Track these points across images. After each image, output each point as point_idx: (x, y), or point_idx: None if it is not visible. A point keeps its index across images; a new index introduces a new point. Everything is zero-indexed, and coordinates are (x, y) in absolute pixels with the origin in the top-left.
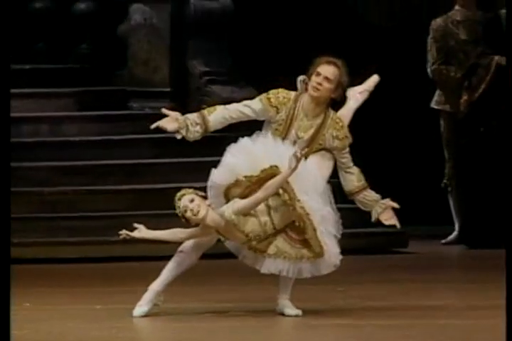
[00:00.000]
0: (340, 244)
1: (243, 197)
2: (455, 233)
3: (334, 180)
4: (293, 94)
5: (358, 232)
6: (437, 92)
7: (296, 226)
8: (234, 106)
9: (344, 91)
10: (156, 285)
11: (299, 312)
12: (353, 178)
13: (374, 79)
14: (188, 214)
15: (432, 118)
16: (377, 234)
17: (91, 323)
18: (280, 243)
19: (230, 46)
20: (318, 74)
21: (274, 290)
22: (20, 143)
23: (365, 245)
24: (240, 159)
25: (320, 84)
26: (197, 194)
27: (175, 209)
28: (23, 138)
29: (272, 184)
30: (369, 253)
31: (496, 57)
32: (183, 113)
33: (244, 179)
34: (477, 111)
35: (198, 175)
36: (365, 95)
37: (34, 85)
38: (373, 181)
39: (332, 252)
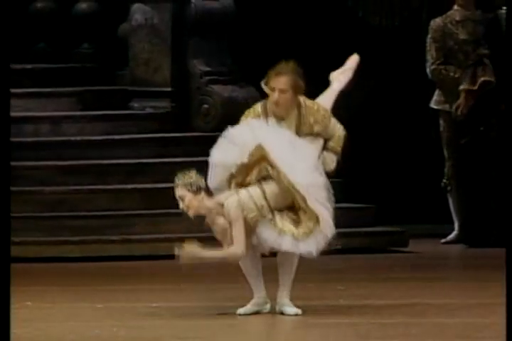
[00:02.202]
0: (341, 243)
1: (244, 184)
2: (455, 232)
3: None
4: (259, 106)
5: (359, 231)
6: (437, 92)
7: (292, 207)
8: None
9: (303, 89)
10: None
11: (299, 311)
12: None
13: (354, 58)
14: (181, 206)
15: (432, 118)
16: (377, 233)
17: (92, 322)
18: (278, 220)
19: (231, 46)
20: (273, 89)
21: (274, 289)
22: (21, 143)
23: (366, 244)
24: (227, 154)
25: (277, 100)
26: (191, 185)
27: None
28: (25, 137)
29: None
30: (369, 252)
31: (482, 78)
32: (184, 112)
33: (237, 169)
34: (477, 111)
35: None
36: (349, 74)
37: (35, 85)
38: (374, 180)
39: (326, 222)
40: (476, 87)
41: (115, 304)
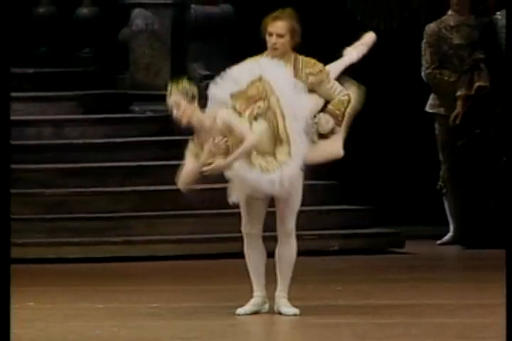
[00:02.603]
0: (338, 244)
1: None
2: (450, 234)
3: (328, 182)
4: (259, 56)
5: (356, 233)
6: (432, 96)
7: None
8: None
9: (300, 34)
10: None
11: (297, 311)
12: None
13: (370, 35)
14: (175, 113)
15: (427, 122)
16: (374, 234)
17: (92, 322)
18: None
19: (230, 50)
20: (270, 34)
21: (272, 290)
22: (24, 146)
23: (363, 245)
24: (224, 87)
25: (275, 43)
26: (187, 92)
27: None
28: (27, 140)
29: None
30: (367, 253)
31: (478, 83)
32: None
33: (234, 96)
34: (472, 114)
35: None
36: (362, 50)
37: (37, 89)
38: (371, 183)
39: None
40: (472, 92)
41: (115, 304)
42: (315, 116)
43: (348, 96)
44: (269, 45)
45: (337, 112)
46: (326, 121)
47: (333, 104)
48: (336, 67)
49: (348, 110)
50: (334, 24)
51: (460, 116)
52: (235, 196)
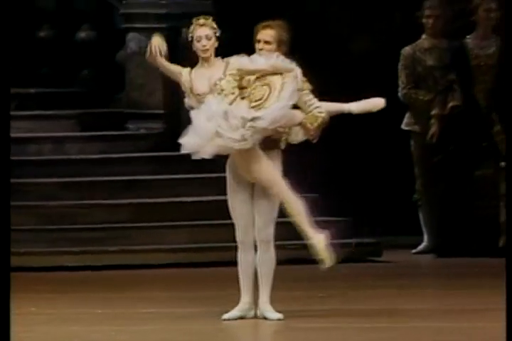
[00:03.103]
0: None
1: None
2: (424, 243)
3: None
4: None
5: (337, 243)
6: (407, 114)
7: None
8: None
9: (287, 45)
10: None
11: (281, 315)
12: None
13: (380, 100)
14: (204, 43)
15: (403, 138)
16: (354, 244)
17: (92, 326)
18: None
19: None
20: (259, 41)
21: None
22: (26, 161)
23: (343, 255)
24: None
25: (261, 49)
26: (216, 30)
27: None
28: (29, 156)
29: None
30: (347, 262)
31: (451, 104)
32: (176, 132)
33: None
34: (447, 132)
35: (188, 189)
36: (364, 107)
37: (39, 108)
38: (350, 196)
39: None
40: (446, 112)
41: (113, 310)
42: (290, 128)
43: (325, 114)
44: (257, 51)
45: (308, 125)
46: (296, 133)
47: (307, 117)
48: (329, 105)
49: (320, 128)
50: (318, 47)
51: (436, 135)
52: (189, 138)
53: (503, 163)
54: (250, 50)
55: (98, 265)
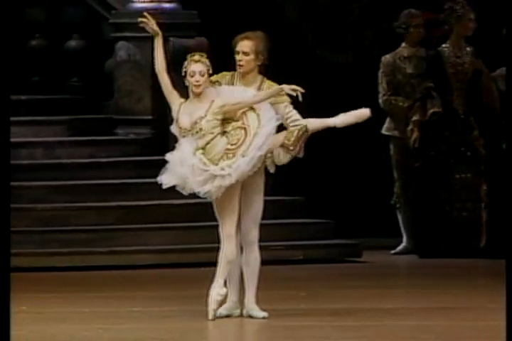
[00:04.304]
0: (302, 254)
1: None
2: (403, 244)
3: (292, 197)
4: (228, 74)
5: (318, 244)
6: (387, 120)
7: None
8: None
9: (266, 55)
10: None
11: (266, 314)
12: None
13: (365, 111)
14: (197, 79)
15: (383, 143)
16: (334, 245)
17: (80, 324)
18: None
19: None
20: (237, 52)
21: (242, 295)
22: (18, 165)
23: (323, 255)
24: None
25: (240, 60)
26: (210, 67)
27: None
28: (21, 160)
29: None
30: (328, 262)
31: (431, 110)
32: (164, 138)
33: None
34: (427, 138)
35: (174, 193)
36: (349, 120)
37: (30, 114)
38: (331, 199)
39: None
40: (426, 118)
41: (101, 309)
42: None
43: (302, 127)
44: (236, 62)
45: (286, 142)
46: (278, 154)
47: (285, 135)
48: (314, 121)
49: (301, 141)
50: (296, 57)
51: (417, 140)
52: (167, 178)
53: (482, 167)
54: (234, 59)
55: (86, 265)
